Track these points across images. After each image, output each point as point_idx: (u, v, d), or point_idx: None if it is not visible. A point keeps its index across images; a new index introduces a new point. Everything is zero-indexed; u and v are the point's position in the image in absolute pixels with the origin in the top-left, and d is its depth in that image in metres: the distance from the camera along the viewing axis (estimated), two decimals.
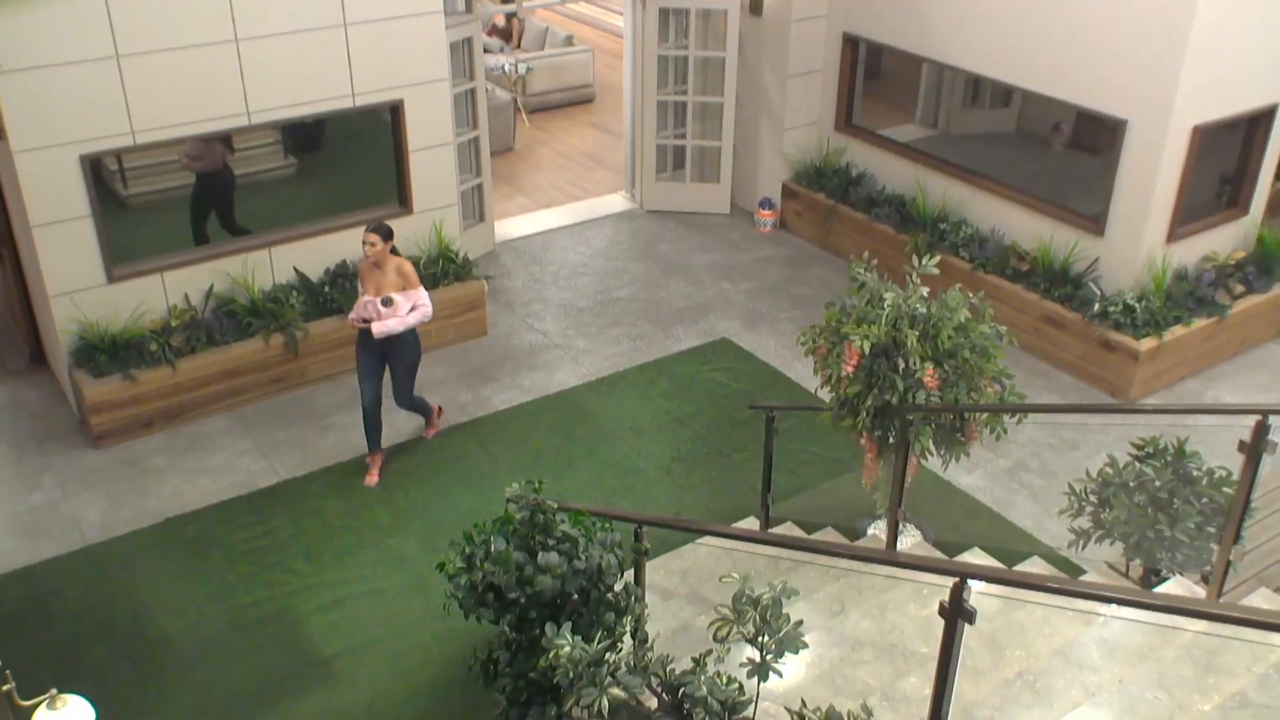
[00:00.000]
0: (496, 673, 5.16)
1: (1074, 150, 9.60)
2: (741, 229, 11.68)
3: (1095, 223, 9.02)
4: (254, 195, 8.96)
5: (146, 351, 8.18)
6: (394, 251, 7.53)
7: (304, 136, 8.96)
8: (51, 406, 8.61)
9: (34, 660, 6.33)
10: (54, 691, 4.37)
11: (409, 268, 7.52)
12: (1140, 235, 8.72)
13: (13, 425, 8.41)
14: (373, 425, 7.84)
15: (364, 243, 7.40)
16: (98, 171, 7.95)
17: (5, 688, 4.55)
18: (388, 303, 7.39)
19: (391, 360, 7.69)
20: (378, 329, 7.40)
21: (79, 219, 7.89)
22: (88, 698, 4.42)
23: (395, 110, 8.90)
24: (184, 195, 8.62)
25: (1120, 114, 8.59)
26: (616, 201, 12.26)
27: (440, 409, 8.45)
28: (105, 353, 8.11)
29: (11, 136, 7.46)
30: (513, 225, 11.67)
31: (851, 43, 10.79)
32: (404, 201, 9.24)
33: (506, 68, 14.63)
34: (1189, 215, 8.87)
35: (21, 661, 5.91)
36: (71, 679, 5.96)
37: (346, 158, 9.26)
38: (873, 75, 11.10)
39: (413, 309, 7.47)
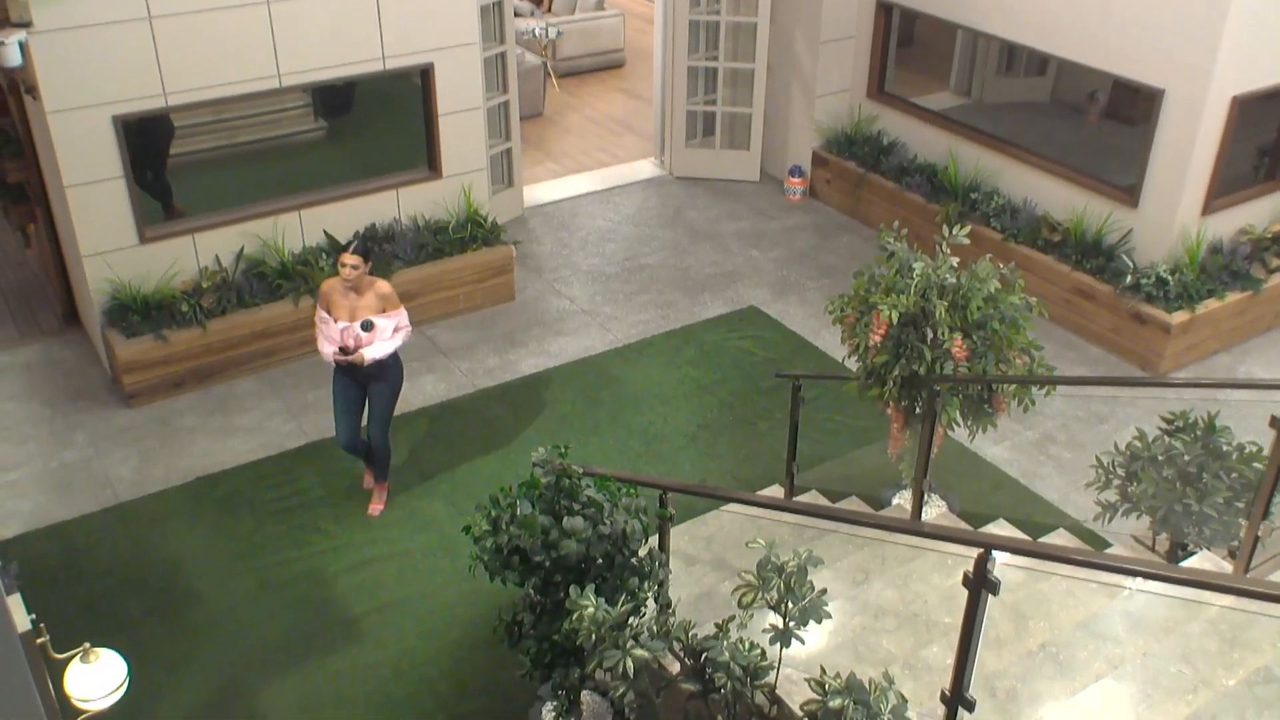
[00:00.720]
0: (521, 634, 5.21)
1: (1109, 120, 9.48)
2: (771, 197, 11.62)
3: (1129, 194, 8.91)
4: (284, 158, 8.98)
5: (178, 312, 8.25)
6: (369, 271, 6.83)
7: (334, 99, 8.97)
8: (84, 365, 8.71)
9: (67, 614, 6.44)
10: (87, 645, 4.45)
11: (388, 288, 6.78)
12: (1175, 207, 8.62)
13: (47, 383, 8.52)
14: (357, 452, 7.21)
15: (341, 264, 6.60)
16: (130, 132, 7.99)
17: (40, 640, 4.63)
18: (368, 327, 6.68)
19: (373, 388, 6.96)
20: (370, 353, 6.70)
21: (111, 180, 7.95)
22: (120, 651, 4.50)
23: (425, 74, 8.88)
24: (216, 157, 8.66)
25: (1157, 83, 8.47)
26: (645, 168, 12.22)
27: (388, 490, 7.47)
28: (137, 313, 8.19)
29: (45, 97, 7.50)
30: (541, 190, 11.66)
31: (885, 9, 10.67)
32: (433, 165, 9.25)
33: (537, 32, 14.57)
34: (1226, 187, 8.75)
35: (55, 615, 6.03)
36: (104, 633, 6.06)
37: (376, 121, 9.27)
38: (906, 42, 10.98)
39: (395, 330, 6.80)
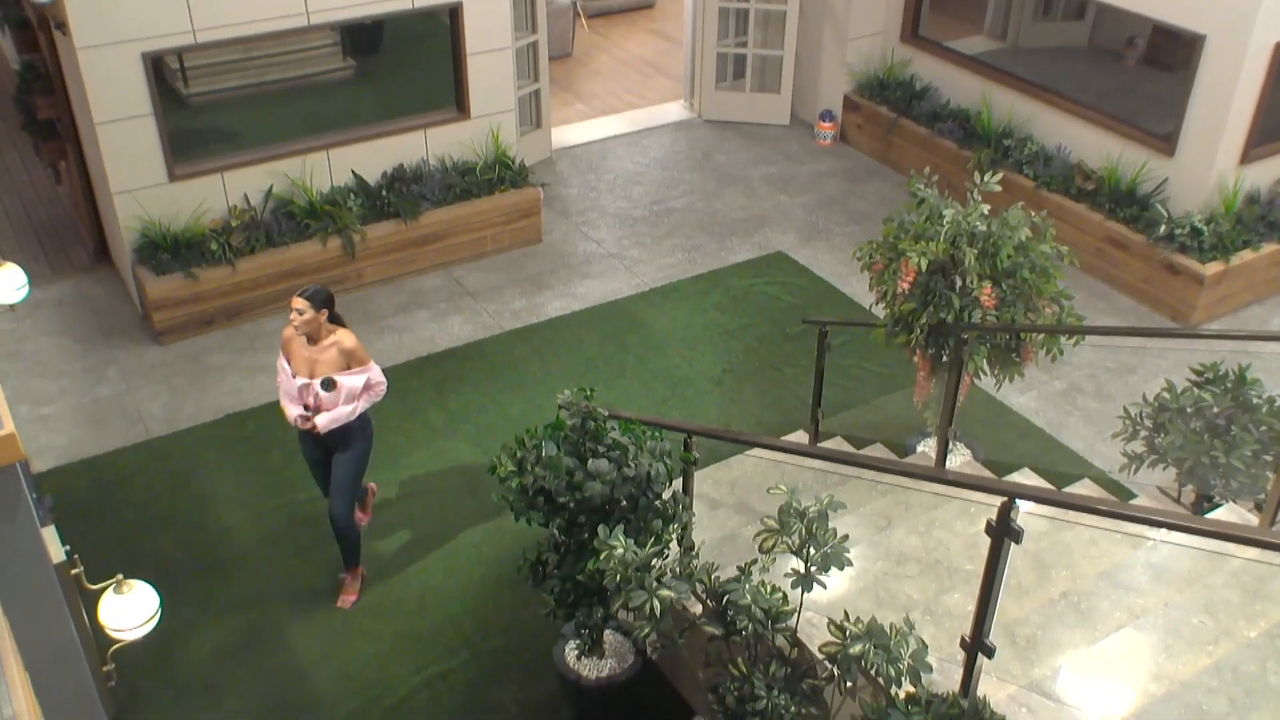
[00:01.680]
0: (545, 574, 5.27)
1: (1147, 66, 9.31)
2: (800, 141, 11.51)
3: (1166, 142, 8.77)
4: (312, 97, 8.96)
5: (207, 250, 8.29)
6: (335, 320, 5.85)
7: (363, 38, 8.92)
8: (116, 302, 8.79)
9: (100, 546, 6.56)
10: (120, 577, 4.54)
11: (352, 342, 5.78)
12: (1213, 156, 8.48)
13: (78, 320, 8.60)
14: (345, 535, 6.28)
15: (291, 308, 5.70)
16: (159, 70, 7.98)
17: (74, 571, 4.73)
18: (329, 386, 5.73)
19: (336, 455, 6.03)
20: (324, 422, 5.77)
21: (141, 117, 7.96)
22: (152, 583, 4.59)
23: (454, 13, 8.80)
24: (244, 95, 8.64)
25: (1198, 29, 8.29)
26: (674, 110, 12.11)
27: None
28: (167, 250, 8.24)
29: (75, 33, 7.50)
30: (569, 132, 11.59)
31: None
32: (461, 106, 9.20)
33: None
34: (1265, 136, 8.59)
35: (89, 547, 6.15)
36: (136, 566, 6.18)
37: (405, 61, 9.21)
38: None
39: (365, 389, 5.87)
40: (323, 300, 5.72)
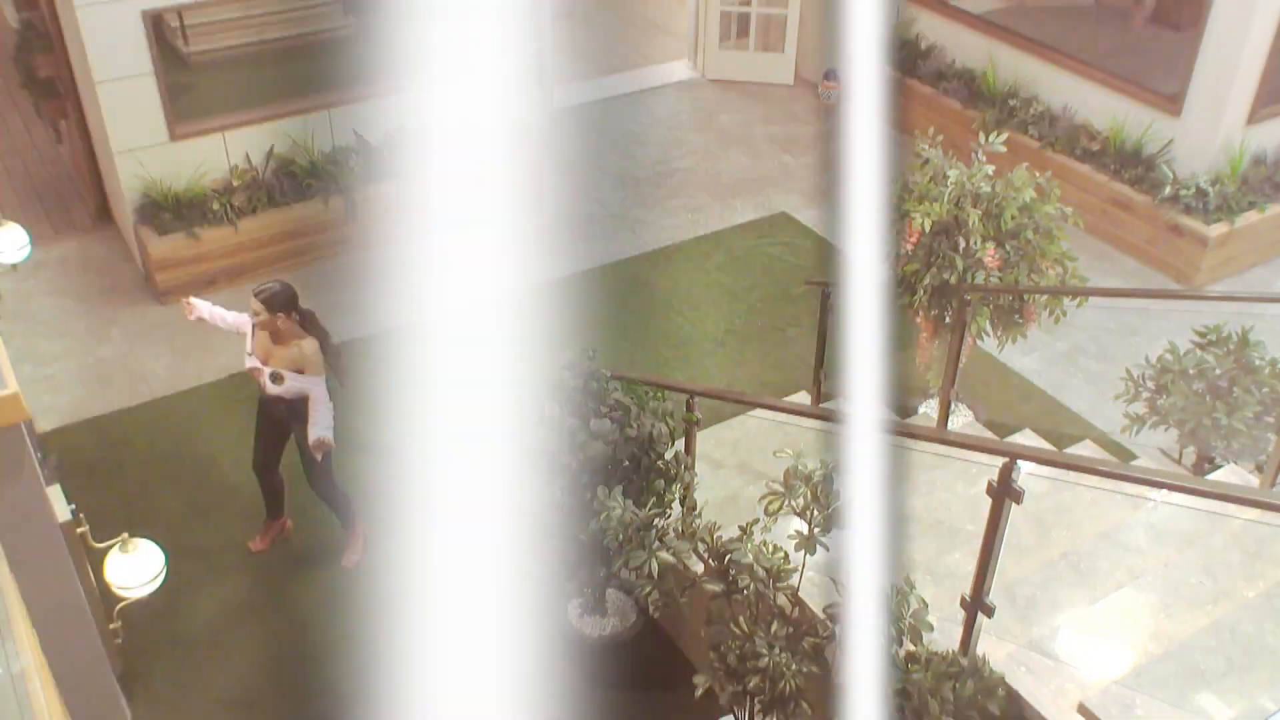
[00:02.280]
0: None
1: (1155, 25, 9.22)
2: (805, 101, 11.44)
3: (1173, 102, 8.71)
4: (312, 55, 8.89)
5: (209, 210, 8.27)
6: (304, 323, 5.76)
7: None
8: (118, 262, 8.77)
9: (106, 505, 6.58)
10: (125, 535, 4.57)
11: (310, 351, 5.67)
12: (1220, 116, 8.42)
13: (80, 279, 8.59)
14: (269, 492, 6.36)
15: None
16: (159, 28, 7.92)
17: (80, 530, 4.76)
18: (276, 380, 5.70)
19: (298, 431, 5.89)
20: (314, 440, 5.69)
21: (141, 76, 7.90)
22: (157, 542, 4.62)
23: None
24: (243, 54, 8.58)
25: None
26: (678, 70, 12.02)
27: (363, 537, 6.45)
28: (169, 210, 8.21)
29: None
30: (572, 91, 11.50)
31: None
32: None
33: None
34: (1273, 96, 8.53)
35: (94, 506, 6.17)
36: (141, 525, 6.19)
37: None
38: None
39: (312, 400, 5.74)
40: (280, 303, 5.56)
